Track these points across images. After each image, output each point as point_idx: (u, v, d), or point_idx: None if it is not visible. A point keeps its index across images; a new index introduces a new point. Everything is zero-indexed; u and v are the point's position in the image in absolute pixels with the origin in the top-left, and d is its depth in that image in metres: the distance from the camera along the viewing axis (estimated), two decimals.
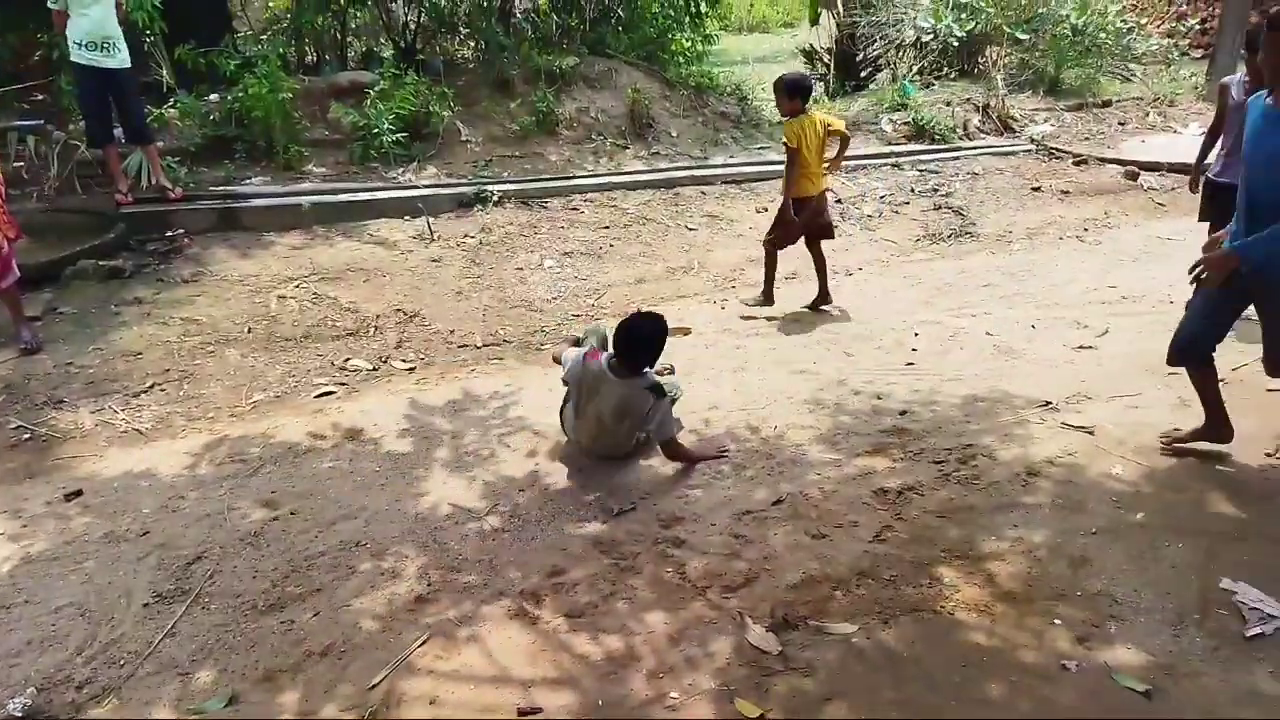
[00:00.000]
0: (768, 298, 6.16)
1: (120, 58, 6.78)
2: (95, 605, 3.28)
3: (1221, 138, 5.56)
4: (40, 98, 8.37)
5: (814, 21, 14.90)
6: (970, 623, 3.03)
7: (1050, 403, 4.59)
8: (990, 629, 2.99)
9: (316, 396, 5.00)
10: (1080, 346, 5.28)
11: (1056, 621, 3.01)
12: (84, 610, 3.26)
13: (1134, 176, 9.09)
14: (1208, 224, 5.65)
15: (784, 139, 5.80)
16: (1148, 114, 11.13)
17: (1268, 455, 3.92)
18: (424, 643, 3.01)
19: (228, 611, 3.22)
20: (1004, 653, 2.88)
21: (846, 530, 3.59)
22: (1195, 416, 4.10)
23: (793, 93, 5.74)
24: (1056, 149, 9.94)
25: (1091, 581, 3.21)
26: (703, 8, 11.75)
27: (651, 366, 4.19)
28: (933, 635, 2.97)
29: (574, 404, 4.16)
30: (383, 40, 11.11)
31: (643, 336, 4.06)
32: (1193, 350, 3.87)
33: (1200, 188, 5.75)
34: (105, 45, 6.66)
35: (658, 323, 4.12)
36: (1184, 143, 9.99)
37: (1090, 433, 4.26)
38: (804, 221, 5.95)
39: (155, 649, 3.04)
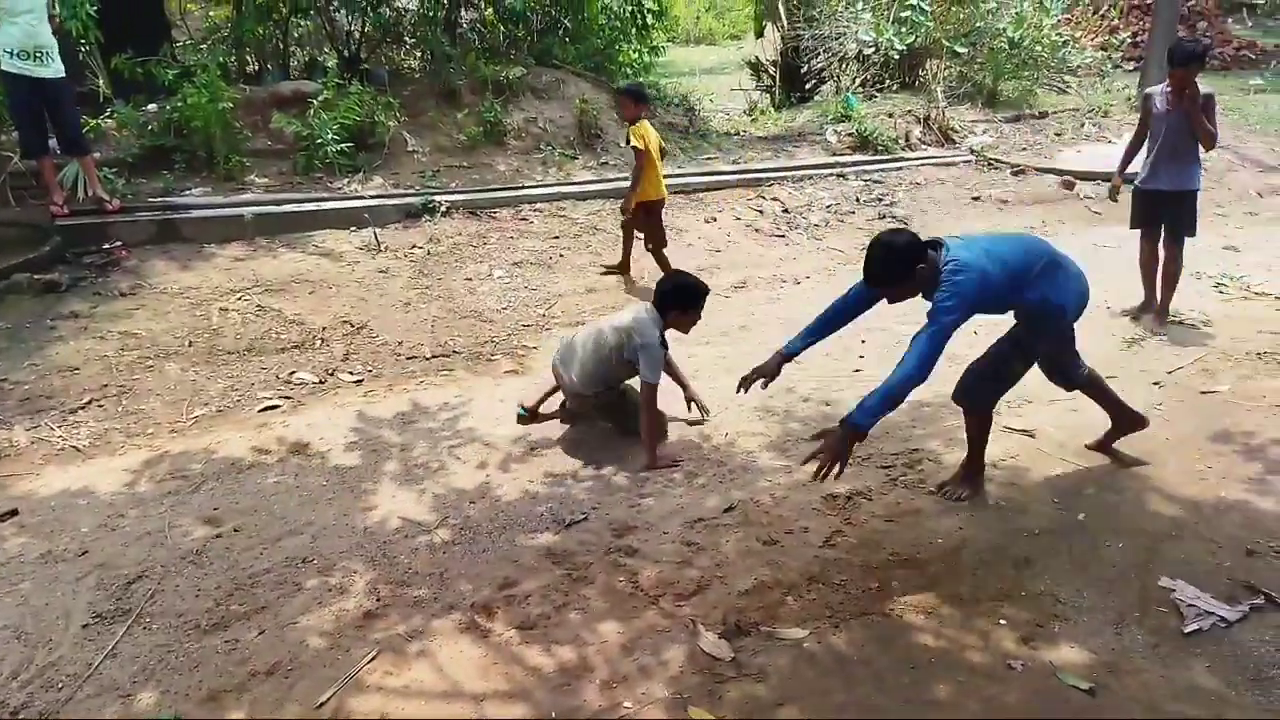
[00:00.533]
0: (624, 267, 7.04)
1: (54, 67, 6.59)
2: (31, 627, 3.18)
3: (1145, 146, 5.76)
4: None
5: (759, 34, 15.11)
6: (918, 624, 3.07)
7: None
8: (938, 630, 3.04)
9: (260, 411, 4.91)
10: None
11: (1002, 622, 3.07)
12: (19, 633, 3.15)
13: (1070, 186, 9.34)
14: (1140, 229, 5.87)
15: (631, 142, 6.34)
16: (1083, 125, 11.45)
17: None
18: (373, 659, 2.97)
19: (170, 631, 3.14)
20: (951, 654, 2.93)
21: (797, 536, 3.63)
22: None
23: (637, 99, 6.47)
24: (995, 159, 10.18)
25: (1035, 582, 3.28)
26: (649, 20, 11.83)
27: (669, 317, 4.34)
28: (882, 638, 3.01)
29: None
30: (326, 49, 10.98)
31: (686, 284, 4.37)
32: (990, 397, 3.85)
33: (1130, 196, 5.94)
34: (38, 54, 6.47)
35: (701, 284, 4.40)
36: (1118, 152, 10.30)
37: (1031, 435, 4.37)
38: (654, 226, 6.58)
39: (95, 671, 2.95)
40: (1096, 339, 5.45)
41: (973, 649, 2.95)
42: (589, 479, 4.17)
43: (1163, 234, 5.81)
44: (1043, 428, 4.42)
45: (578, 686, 2.84)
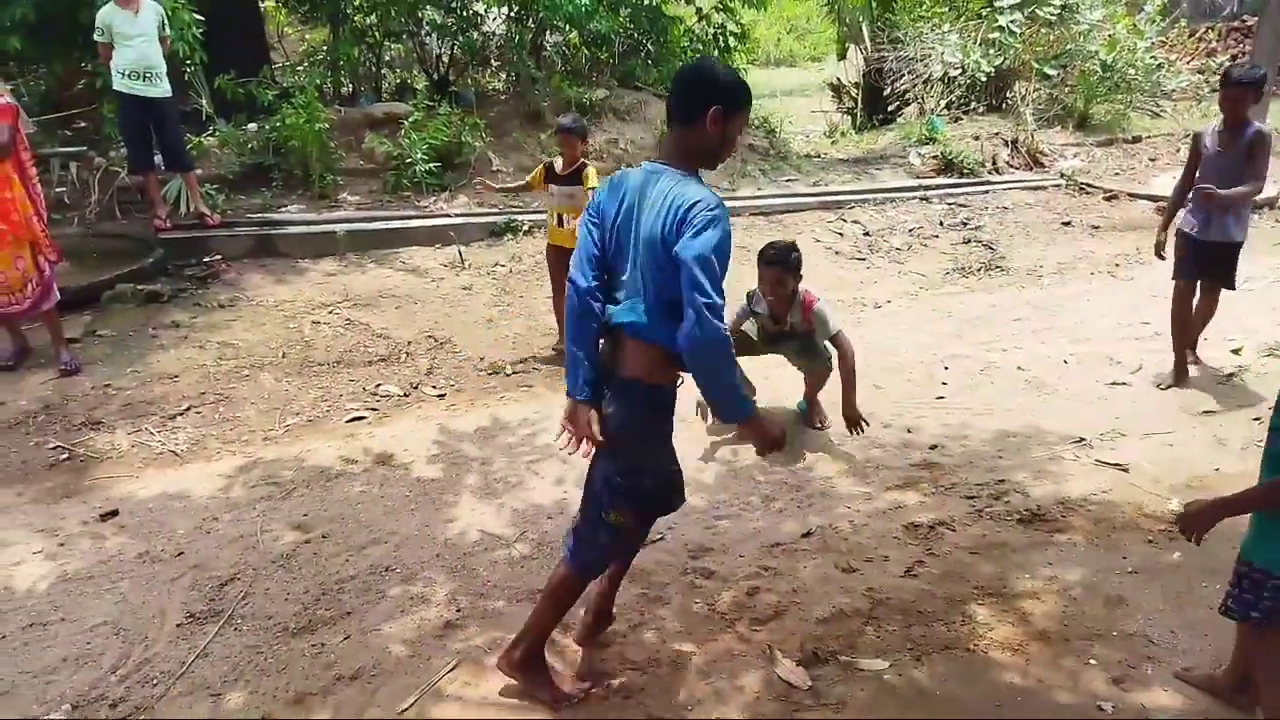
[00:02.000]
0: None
1: (162, 87, 6.94)
2: (129, 624, 3.31)
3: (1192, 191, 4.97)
4: (83, 125, 8.57)
5: (841, 56, 15.01)
6: (1004, 662, 2.99)
7: (1084, 439, 4.55)
8: (1024, 668, 2.95)
9: (348, 421, 5.05)
10: (1114, 383, 5.24)
11: (1092, 662, 2.97)
12: (118, 629, 3.29)
13: None
14: (1181, 280, 5.17)
15: (592, 185, 5.59)
16: (1179, 150, 11.07)
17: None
18: (453, 669, 3.01)
19: (259, 633, 3.24)
20: (1039, 693, 2.84)
21: (877, 564, 3.57)
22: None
23: (584, 137, 5.98)
24: (1086, 184, 9.92)
25: (1127, 622, 3.17)
26: (731, 42, 11.88)
27: None
28: (966, 673, 2.93)
29: None
30: (416, 72, 11.31)
31: None
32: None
33: (1178, 245, 5.17)
34: (148, 75, 6.82)
35: None
36: None
37: (1125, 470, 4.23)
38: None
39: (188, 669, 3.06)
40: (1193, 371, 5.27)
41: (1061, 689, 2.86)
42: None
43: (1204, 281, 5.22)
44: (1137, 462, 4.27)
45: (651, 708, 2.83)
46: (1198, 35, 13.28)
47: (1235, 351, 5.63)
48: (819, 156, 10.97)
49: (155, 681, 3.02)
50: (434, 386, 5.52)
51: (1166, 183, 9.79)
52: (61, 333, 5.54)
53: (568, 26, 10.21)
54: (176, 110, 7.34)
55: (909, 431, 4.74)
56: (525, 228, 7.98)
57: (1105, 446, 4.43)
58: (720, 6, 11.51)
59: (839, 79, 14.38)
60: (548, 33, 10.79)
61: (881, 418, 4.89)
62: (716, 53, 11.81)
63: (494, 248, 7.75)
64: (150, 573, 3.64)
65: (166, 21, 7.03)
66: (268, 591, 3.48)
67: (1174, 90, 12.24)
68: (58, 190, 7.51)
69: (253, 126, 8.61)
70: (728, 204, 8.96)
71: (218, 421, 5.02)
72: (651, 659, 3.05)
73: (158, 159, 7.34)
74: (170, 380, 5.45)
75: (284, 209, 7.94)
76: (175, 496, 4.23)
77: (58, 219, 7.01)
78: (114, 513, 4.08)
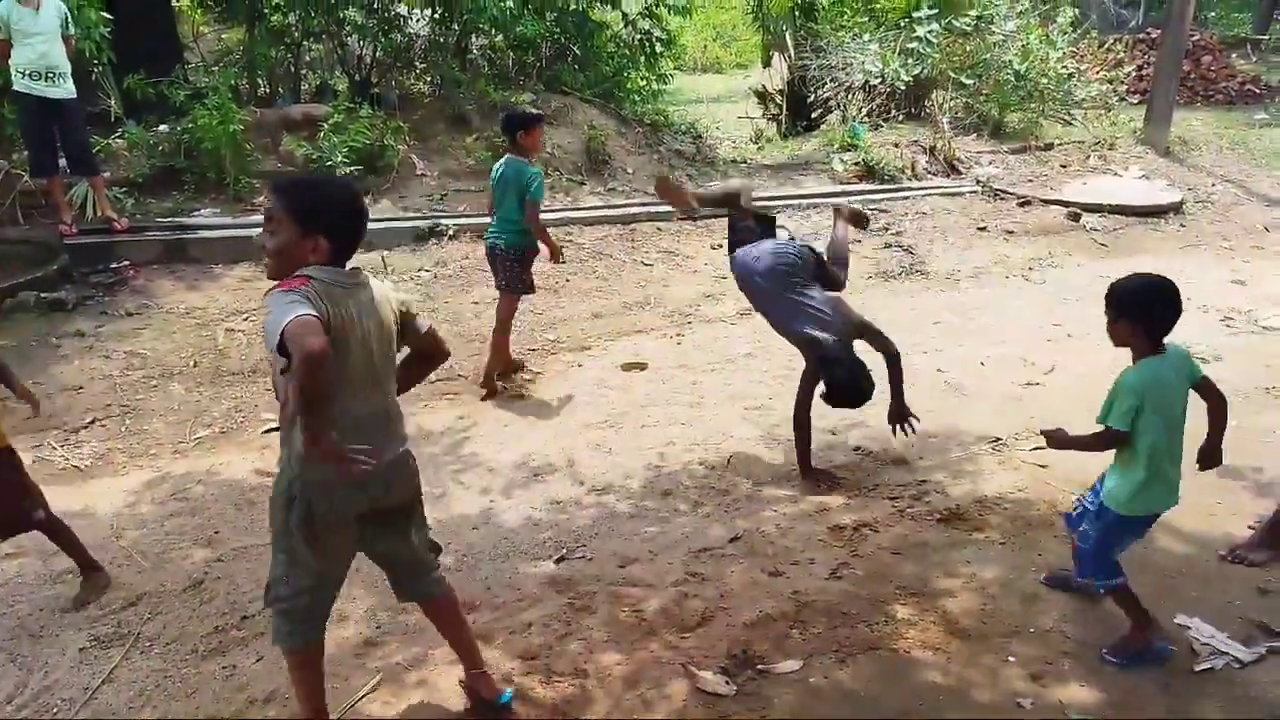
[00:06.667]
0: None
1: (65, 87, 6.65)
2: (27, 651, 3.15)
3: None
4: None
5: (766, 64, 15.21)
6: (926, 660, 3.03)
7: (1000, 439, 4.66)
8: (946, 667, 3.00)
9: (264, 432, 4.89)
10: (1028, 383, 5.38)
11: (1010, 659, 3.03)
12: (14, 655, 3.13)
13: (1076, 217, 9.34)
14: None
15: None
16: (1089, 157, 11.46)
17: (1221, 558, 3.61)
18: (373, 688, 2.93)
19: (168, 656, 3.11)
20: (960, 691, 2.89)
21: (803, 567, 3.59)
22: None
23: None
24: (1001, 190, 10.19)
25: (1043, 618, 3.24)
26: (658, 48, 11.92)
27: None
28: (889, 673, 2.96)
29: None
30: (337, 73, 11.07)
31: None
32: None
33: None
34: (50, 75, 6.53)
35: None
36: (1124, 186, 10.32)
37: (1044, 467, 4.33)
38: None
39: (92, 696, 2.92)
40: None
41: (981, 686, 2.91)
42: (592, 506, 4.14)
43: None
44: (1056, 460, 4.38)
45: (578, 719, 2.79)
46: (1106, 46, 13.75)
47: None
48: (745, 162, 11.07)
49: (56, 710, 2.89)
50: None
51: (1076, 189, 10.16)
52: None
53: (493, 30, 10.11)
54: (81, 111, 7.03)
55: (833, 434, 4.79)
56: (450, 232, 7.86)
57: (1021, 446, 4.54)
58: (646, 13, 11.53)
59: (764, 86, 14.53)
60: (473, 36, 10.67)
61: None
62: (643, 58, 11.86)
63: (418, 253, 7.61)
64: (50, 595, 3.48)
65: (70, 19, 6.75)
66: (176, 612, 3.35)
67: (1084, 99, 12.65)
68: None
69: (164, 128, 8.31)
70: (655, 208, 8.90)
71: (124, 434, 4.82)
72: (578, 669, 3.01)
73: (62, 162, 7.03)
74: (74, 392, 5.22)
75: (197, 213, 7.67)
76: (78, 514, 4.04)
77: None
78: None
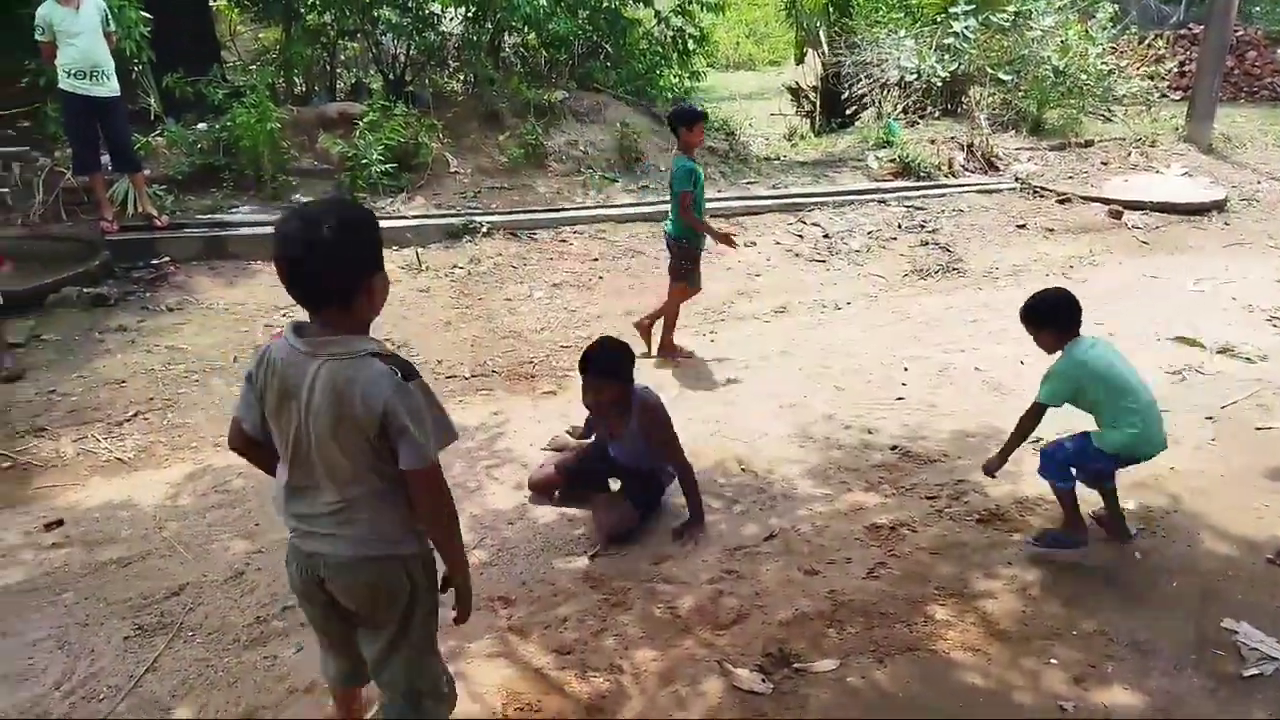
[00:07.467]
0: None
1: (109, 86, 6.76)
2: (74, 638, 3.20)
3: None
4: (25, 125, 8.33)
5: (799, 60, 15.12)
6: (965, 662, 2.99)
7: (1040, 439, 4.58)
8: (985, 669, 2.96)
9: None
10: None
11: (1052, 661, 2.98)
12: (63, 643, 3.17)
13: (1118, 215, 9.20)
14: None
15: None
16: (1129, 154, 11.29)
17: (1269, 561, 3.54)
18: None
19: (209, 646, 3.15)
20: (1000, 693, 2.85)
21: (839, 566, 3.56)
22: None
23: None
24: (1040, 187, 10.06)
25: (1087, 621, 3.19)
26: (690, 45, 11.89)
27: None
28: (928, 674, 2.93)
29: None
30: (372, 72, 11.17)
31: None
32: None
33: None
34: (94, 73, 6.64)
35: None
36: (1167, 183, 10.15)
37: None
38: None
39: (136, 684, 2.96)
40: (1148, 372, 5.33)
41: (1022, 689, 2.87)
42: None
43: None
44: None
45: (613, 715, 2.79)
46: (1147, 42, 13.52)
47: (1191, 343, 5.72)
48: (778, 159, 11.02)
49: (102, 697, 2.92)
50: None
51: (1117, 186, 10.00)
52: (4, 338, 5.37)
53: (526, 28, 10.15)
54: (124, 109, 7.15)
55: (869, 433, 4.75)
56: (484, 229, 7.90)
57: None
58: (679, 9, 11.51)
59: (797, 83, 14.46)
60: (506, 34, 10.73)
61: (842, 419, 4.90)
62: (676, 55, 11.84)
63: (451, 250, 7.66)
64: (96, 584, 3.53)
65: (110, 17, 6.86)
66: (218, 603, 3.39)
67: (1125, 96, 12.47)
68: (0, 191, 7.28)
69: (202, 126, 8.43)
70: None
71: (166, 428, 4.89)
72: (613, 665, 3.01)
73: (105, 159, 7.15)
74: (117, 385, 5.30)
75: (235, 210, 7.78)
76: (122, 505, 4.11)
77: (0, 221, 6.80)
78: (58, 522, 3.95)
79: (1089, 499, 3.64)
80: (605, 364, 3.72)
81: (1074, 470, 3.51)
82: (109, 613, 3.34)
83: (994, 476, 3.72)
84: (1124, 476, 4.08)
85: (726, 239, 5.76)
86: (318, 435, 1.99)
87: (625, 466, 3.99)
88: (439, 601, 2.28)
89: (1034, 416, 3.51)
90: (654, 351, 5.90)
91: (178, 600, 3.40)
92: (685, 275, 5.77)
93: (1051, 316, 3.48)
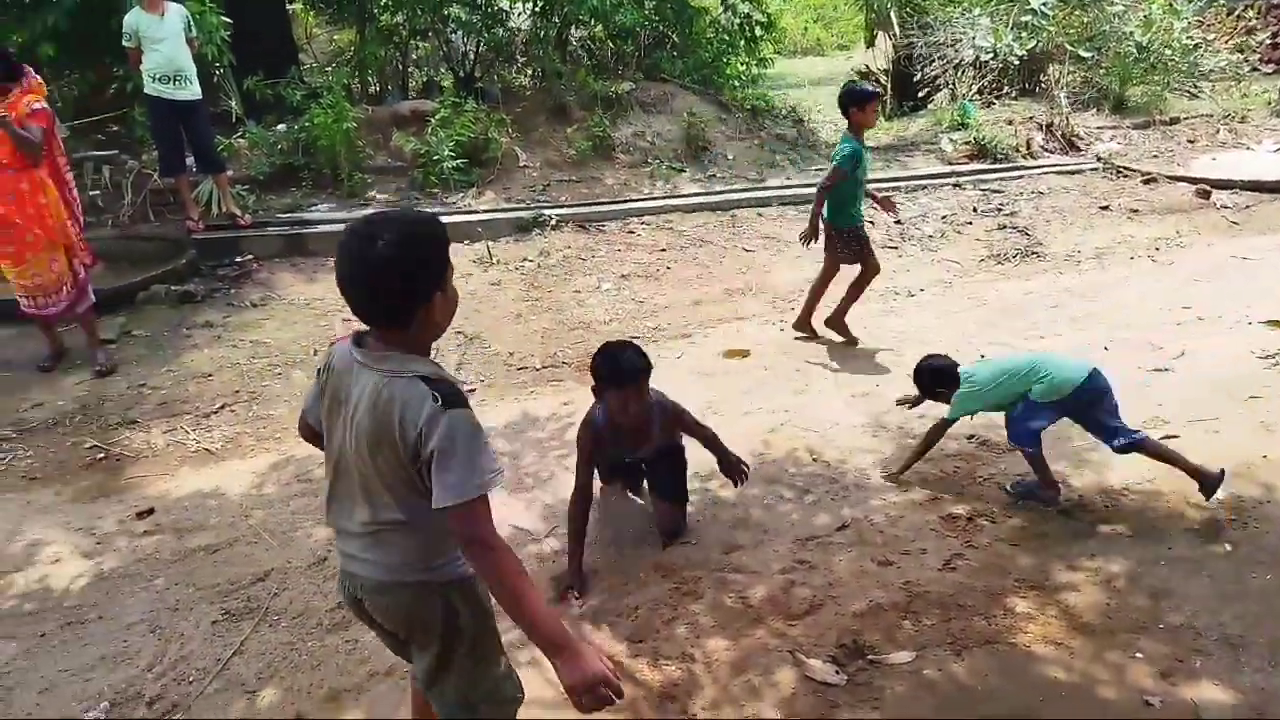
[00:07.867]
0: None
1: (192, 89, 6.99)
2: (165, 622, 3.33)
3: None
4: (115, 129, 8.68)
5: (869, 43, 14.86)
6: (1046, 656, 2.92)
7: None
8: (1068, 662, 2.88)
9: None
10: (1156, 369, 5.11)
11: (1138, 655, 2.89)
12: (154, 627, 3.31)
13: (1206, 195, 8.82)
14: None
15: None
16: (1218, 131, 10.82)
17: None
18: None
19: (294, 630, 3.25)
20: (1083, 688, 2.77)
21: (914, 557, 3.50)
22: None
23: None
24: (1124, 167, 9.71)
25: (1174, 614, 3.07)
26: (758, 32, 11.78)
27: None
28: (1007, 668, 2.86)
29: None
30: (443, 70, 11.34)
31: None
32: None
33: None
34: (177, 78, 6.88)
35: None
36: (1258, 160, 9.70)
37: None
38: None
39: (224, 666, 3.07)
40: (1240, 358, 5.12)
41: (1106, 683, 2.78)
42: (696, 492, 4.13)
43: None
44: (1186, 449, 4.15)
45: (686, 704, 2.80)
46: (1236, 14, 12.91)
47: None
48: None
49: (191, 679, 3.04)
50: (464, 381, 5.52)
51: (1205, 164, 9.59)
52: (97, 334, 5.61)
53: (593, 20, 10.19)
54: (207, 112, 7.40)
55: None
56: (553, 222, 7.97)
57: (1150, 434, 4.31)
58: None
59: (867, 66, 14.22)
60: (573, 27, 10.78)
61: (917, 408, 4.80)
62: (743, 43, 11.74)
63: (521, 243, 7.74)
64: (186, 570, 3.67)
65: (193, 23, 7.09)
66: (302, 588, 3.50)
67: (1212, 70, 11.95)
68: (91, 194, 7.60)
69: (282, 127, 8.67)
70: (755, 194, 8.80)
71: (251, 419, 5.05)
72: (685, 654, 3.01)
73: (189, 161, 7.41)
74: (204, 379, 5.50)
75: (314, 208, 7.99)
76: (210, 494, 4.27)
77: (92, 222, 7.09)
78: (150, 511, 4.12)
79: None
80: (641, 361, 3.46)
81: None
82: (198, 598, 3.47)
83: (895, 482, 4.04)
84: (1215, 465, 3.94)
85: (807, 238, 5.70)
86: (357, 449, 1.92)
87: (644, 458, 3.86)
88: (493, 623, 2.18)
89: (939, 430, 3.93)
90: (848, 336, 5.87)
91: (263, 586, 3.52)
92: (859, 257, 5.74)
93: (939, 379, 3.92)
